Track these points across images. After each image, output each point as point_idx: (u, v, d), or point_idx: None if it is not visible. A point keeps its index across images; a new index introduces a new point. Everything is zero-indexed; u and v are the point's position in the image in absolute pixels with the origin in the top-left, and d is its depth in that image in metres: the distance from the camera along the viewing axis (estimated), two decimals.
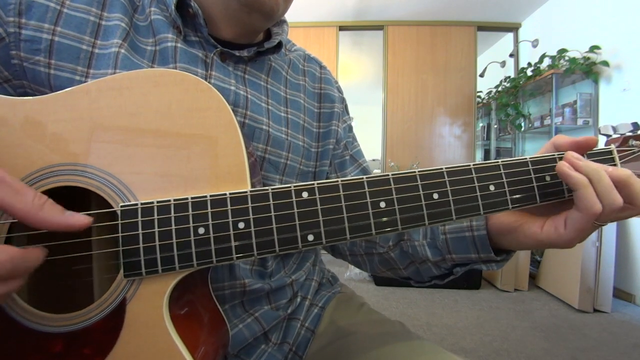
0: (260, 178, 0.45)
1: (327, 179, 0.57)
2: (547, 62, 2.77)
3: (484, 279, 2.62)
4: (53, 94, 0.33)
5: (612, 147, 0.38)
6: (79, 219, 0.29)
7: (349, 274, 2.73)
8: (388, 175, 0.34)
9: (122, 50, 0.41)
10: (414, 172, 0.34)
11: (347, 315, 0.55)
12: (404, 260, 0.52)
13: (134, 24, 0.44)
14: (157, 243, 0.31)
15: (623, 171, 0.34)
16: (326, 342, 0.51)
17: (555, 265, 2.38)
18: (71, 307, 0.31)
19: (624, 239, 2.24)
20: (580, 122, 2.55)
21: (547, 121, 2.79)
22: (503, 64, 3.65)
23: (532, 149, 3.24)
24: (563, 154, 0.37)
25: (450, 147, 3.44)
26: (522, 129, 3.12)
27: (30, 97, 0.33)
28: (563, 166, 0.34)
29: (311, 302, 0.56)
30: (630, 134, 0.40)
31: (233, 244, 0.31)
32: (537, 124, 2.93)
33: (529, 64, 2.96)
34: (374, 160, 4.21)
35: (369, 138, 4.15)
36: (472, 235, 0.44)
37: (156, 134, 0.33)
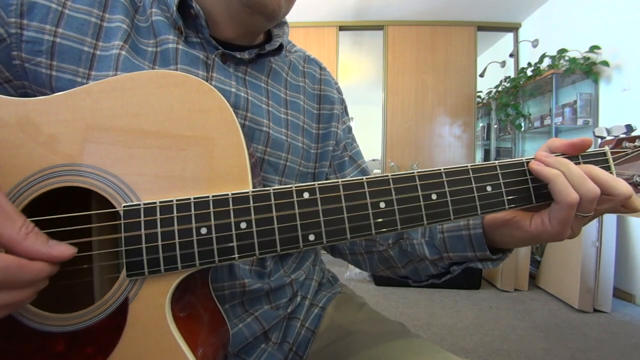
0: (261, 179, 0.45)
1: (326, 179, 0.58)
2: (547, 62, 2.77)
3: (484, 279, 2.62)
4: (55, 94, 0.33)
5: (606, 148, 0.38)
6: (63, 250, 0.28)
7: (349, 274, 2.73)
8: (387, 176, 0.34)
9: (123, 52, 0.41)
10: (413, 173, 0.35)
11: (347, 316, 0.56)
12: (403, 258, 0.52)
13: (135, 25, 0.44)
14: (159, 243, 0.31)
15: (586, 166, 0.36)
16: (326, 342, 0.52)
17: (555, 265, 2.38)
18: (73, 306, 0.32)
19: (624, 239, 2.24)
20: (580, 122, 2.55)
21: (547, 121, 2.79)
22: (503, 64, 3.65)
23: (532, 149, 3.24)
24: (559, 155, 0.38)
25: (450, 147, 3.43)
26: (522, 129, 3.12)
27: (32, 98, 0.33)
28: (533, 164, 0.36)
29: (311, 302, 0.56)
30: (623, 135, 0.41)
31: (235, 243, 0.32)
32: (537, 124, 2.93)
33: (529, 64, 2.96)
34: (374, 160, 4.20)
35: (369, 138, 4.15)
36: (468, 234, 0.45)
37: (158, 135, 0.33)
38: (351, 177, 0.60)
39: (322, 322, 0.55)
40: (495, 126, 3.51)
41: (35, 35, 0.38)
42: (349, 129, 0.63)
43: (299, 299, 0.54)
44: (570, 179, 0.34)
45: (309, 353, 0.52)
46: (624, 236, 2.25)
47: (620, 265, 2.20)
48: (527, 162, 0.37)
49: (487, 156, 3.76)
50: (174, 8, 0.43)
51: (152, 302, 0.31)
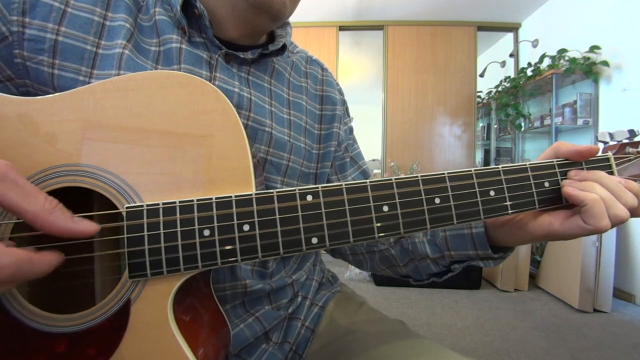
0: (263, 179, 0.45)
1: (328, 180, 0.58)
2: (547, 62, 2.77)
3: (484, 279, 2.62)
4: (58, 94, 0.33)
5: (609, 154, 0.39)
6: (87, 225, 0.29)
7: (349, 274, 2.73)
8: (391, 179, 0.34)
9: (126, 51, 0.40)
10: (417, 177, 0.35)
11: (346, 314, 0.56)
12: (404, 257, 0.52)
13: (138, 25, 0.43)
14: (162, 245, 0.31)
15: (615, 189, 0.35)
16: (326, 341, 0.52)
17: (555, 265, 2.38)
18: (75, 307, 0.32)
19: (624, 239, 2.25)
20: (580, 122, 2.55)
21: (547, 121, 2.79)
22: (503, 64, 3.65)
23: (532, 149, 3.24)
24: (562, 160, 0.38)
25: (450, 147, 3.43)
26: (522, 129, 3.11)
27: (34, 97, 0.33)
28: (568, 189, 0.36)
29: (311, 301, 0.56)
30: (626, 141, 0.41)
31: (238, 246, 0.32)
32: (537, 124, 2.93)
33: (529, 64, 2.96)
34: (374, 160, 4.20)
35: (369, 138, 4.15)
36: (470, 232, 0.45)
37: (161, 135, 0.33)
38: (352, 177, 0.60)
39: (322, 321, 0.55)
40: (495, 126, 3.51)
41: (37, 33, 0.38)
42: (350, 130, 0.63)
43: (299, 299, 0.54)
44: (606, 204, 0.34)
45: (309, 352, 0.52)
46: (624, 236, 2.25)
47: (620, 265, 2.20)
48: (530, 167, 0.37)
49: (487, 156, 3.76)
50: (178, 8, 0.43)
51: (154, 304, 0.31)
